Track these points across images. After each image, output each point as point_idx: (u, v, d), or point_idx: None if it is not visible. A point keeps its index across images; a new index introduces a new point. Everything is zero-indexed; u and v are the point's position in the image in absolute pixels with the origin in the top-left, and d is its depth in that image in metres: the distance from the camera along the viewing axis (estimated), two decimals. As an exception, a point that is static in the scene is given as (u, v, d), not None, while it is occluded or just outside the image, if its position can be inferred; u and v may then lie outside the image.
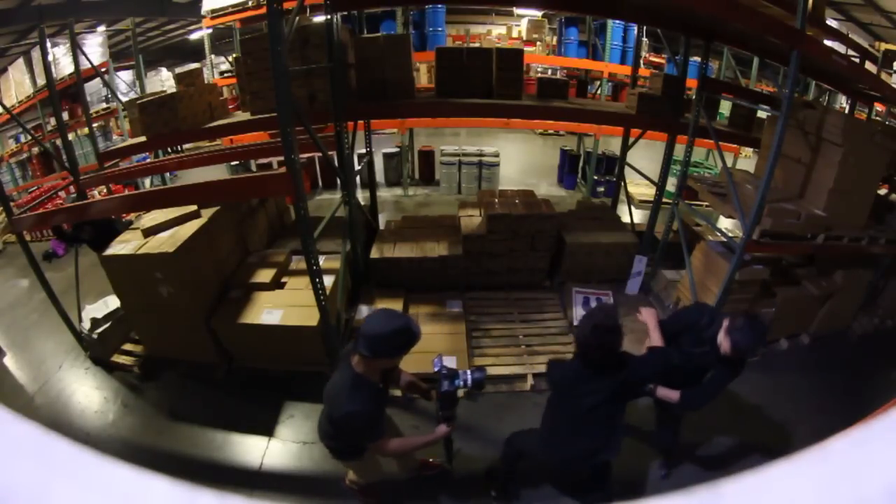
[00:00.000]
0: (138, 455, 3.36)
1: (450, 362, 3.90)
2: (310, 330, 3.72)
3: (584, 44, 9.09)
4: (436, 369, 2.20)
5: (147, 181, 6.94)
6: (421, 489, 3.09)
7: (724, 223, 6.74)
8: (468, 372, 2.16)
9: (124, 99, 5.91)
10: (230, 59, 8.66)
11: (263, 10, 5.67)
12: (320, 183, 8.57)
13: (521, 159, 10.63)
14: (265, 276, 4.20)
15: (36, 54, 7.67)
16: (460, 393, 2.25)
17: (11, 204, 4.23)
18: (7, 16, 6.62)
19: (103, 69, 7.45)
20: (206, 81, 5.02)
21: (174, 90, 4.51)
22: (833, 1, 7.91)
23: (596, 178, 8.39)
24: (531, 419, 3.59)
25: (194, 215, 4.03)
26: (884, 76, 6.32)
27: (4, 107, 5.27)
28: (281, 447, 3.43)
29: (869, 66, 5.71)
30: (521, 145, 12.11)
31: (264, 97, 3.93)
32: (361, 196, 6.68)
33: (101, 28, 7.92)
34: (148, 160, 5.80)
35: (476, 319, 4.62)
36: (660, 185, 4.92)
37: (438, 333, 4.28)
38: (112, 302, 4.34)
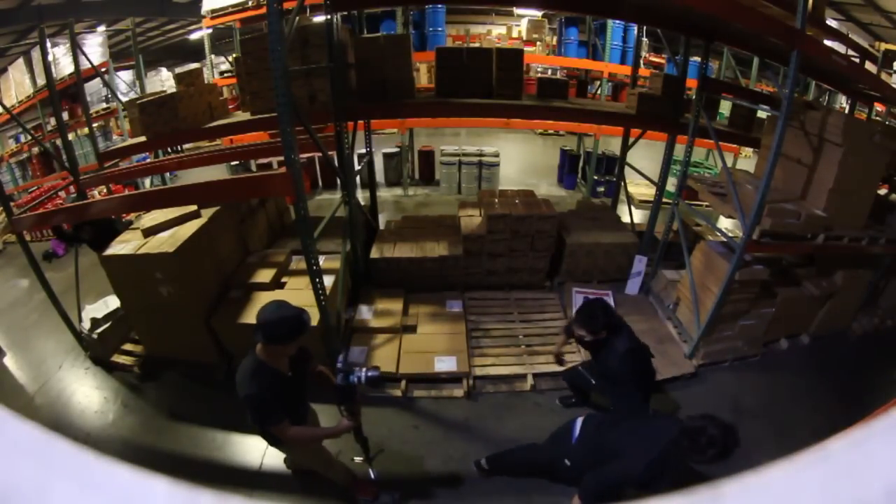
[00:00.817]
0: (138, 455, 3.37)
1: (450, 363, 3.95)
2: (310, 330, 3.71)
3: (584, 44, 9.09)
4: (338, 365, 2.29)
5: (147, 181, 6.94)
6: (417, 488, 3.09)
7: (724, 223, 6.74)
8: (364, 369, 2.26)
9: (124, 99, 5.91)
10: (230, 59, 8.65)
11: (263, 10, 5.68)
12: (320, 183, 8.58)
13: (521, 159, 10.64)
14: (265, 276, 4.20)
15: (36, 54, 7.67)
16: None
17: (11, 204, 4.23)
18: (7, 16, 6.63)
19: (103, 69, 7.45)
20: (206, 81, 5.01)
21: (174, 90, 4.51)
22: (833, 1, 7.91)
23: (596, 178, 8.39)
24: (531, 419, 3.61)
25: (194, 215, 4.03)
26: (884, 76, 6.33)
27: (4, 107, 5.28)
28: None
29: (869, 66, 5.71)
30: (521, 145, 12.11)
31: (264, 97, 3.93)
32: (361, 196, 6.68)
33: (101, 28, 7.92)
34: (148, 160, 5.80)
35: (476, 319, 4.62)
36: (660, 185, 4.92)
37: (438, 333, 4.29)
38: (112, 302, 4.34)
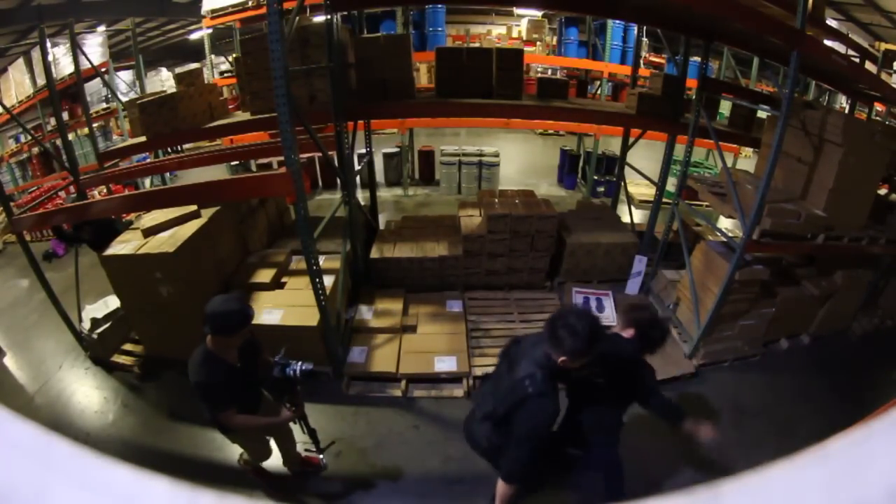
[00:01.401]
0: (138, 455, 3.36)
1: (450, 363, 3.95)
2: (310, 330, 3.72)
3: (584, 44, 9.09)
4: (275, 358, 2.46)
5: (147, 181, 6.94)
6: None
7: (724, 223, 6.74)
8: (299, 363, 2.44)
9: (124, 99, 5.91)
10: (230, 59, 8.65)
11: (263, 10, 5.67)
12: (320, 183, 8.57)
13: (521, 159, 10.63)
14: (265, 276, 4.20)
15: (36, 54, 7.67)
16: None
17: (11, 204, 4.23)
18: (7, 16, 6.63)
19: (103, 69, 7.45)
20: (206, 81, 5.02)
21: (174, 90, 4.52)
22: (833, 1, 7.91)
23: (596, 178, 8.39)
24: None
25: (194, 215, 4.03)
26: (884, 76, 6.32)
27: (4, 107, 5.27)
28: (281, 447, 3.43)
29: (869, 66, 5.71)
30: (521, 145, 12.11)
31: (264, 97, 3.93)
32: (361, 196, 6.68)
33: (101, 28, 7.92)
34: (148, 160, 5.80)
35: (476, 319, 4.62)
36: (660, 185, 4.92)
37: (438, 333, 4.29)
38: (112, 302, 4.34)
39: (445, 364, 3.92)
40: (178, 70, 7.56)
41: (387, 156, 8.56)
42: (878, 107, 7.69)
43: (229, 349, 2.29)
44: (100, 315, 4.26)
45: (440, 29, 8.27)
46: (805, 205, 3.81)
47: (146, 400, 3.93)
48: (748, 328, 4.26)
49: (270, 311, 3.83)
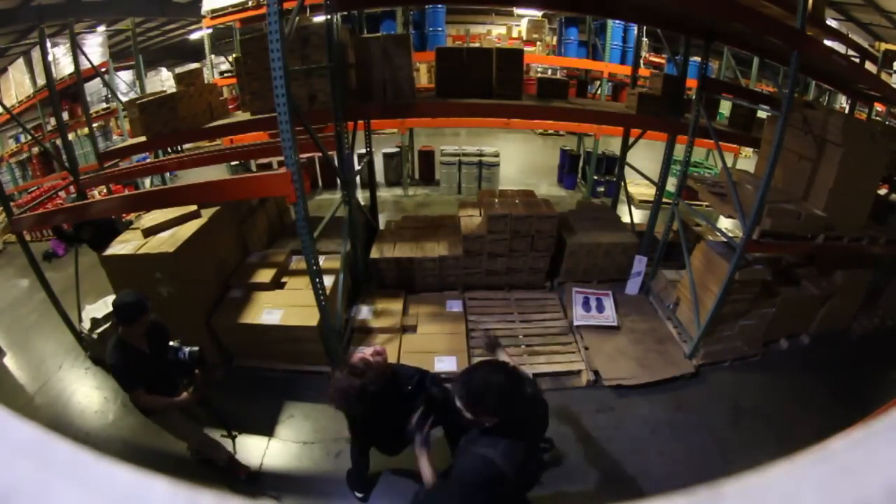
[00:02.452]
0: (138, 455, 3.36)
1: (450, 363, 3.96)
2: (310, 330, 3.72)
3: (584, 44, 9.09)
4: (171, 343, 2.76)
5: (147, 181, 6.94)
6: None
7: (724, 223, 6.74)
8: (188, 348, 2.76)
9: (124, 99, 5.91)
10: (230, 59, 8.65)
11: (263, 10, 5.66)
12: (320, 183, 8.58)
13: (521, 159, 10.64)
14: (265, 276, 4.20)
15: (36, 54, 7.67)
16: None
17: (11, 204, 4.23)
18: (7, 16, 6.63)
19: (103, 69, 7.45)
20: (206, 81, 5.02)
21: (174, 90, 4.52)
22: (833, 1, 7.91)
23: (596, 178, 8.40)
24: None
25: (194, 215, 4.03)
26: (884, 76, 6.32)
27: (4, 107, 5.27)
28: (281, 447, 3.43)
29: (869, 66, 5.71)
30: (521, 145, 12.11)
31: (264, 97, 3.93)
32: (361, 196, 6.69)
33: (101, 28, 7.92)
34: (148, 160, 5.80)
35: (476, 319, 4.62)
36: (660, 185, 4.92)
37: (438, 333, 4.29)
38: (112, 302, 4.34)
39: (445, 364, 3.92)
40: (178, 70, 7.57)
41: (387, 156, 8.56)
42: (878, 107, 7.69)
43: (136, 336, 2.56)
44: (100, 315, 4.26)
45: (440, 29, 8.27)
46: (805, 205, 3.81)
47: (146, 400, 3.92)
48: (748, 328, 4.26)
49: (270, 311, 3.83)
